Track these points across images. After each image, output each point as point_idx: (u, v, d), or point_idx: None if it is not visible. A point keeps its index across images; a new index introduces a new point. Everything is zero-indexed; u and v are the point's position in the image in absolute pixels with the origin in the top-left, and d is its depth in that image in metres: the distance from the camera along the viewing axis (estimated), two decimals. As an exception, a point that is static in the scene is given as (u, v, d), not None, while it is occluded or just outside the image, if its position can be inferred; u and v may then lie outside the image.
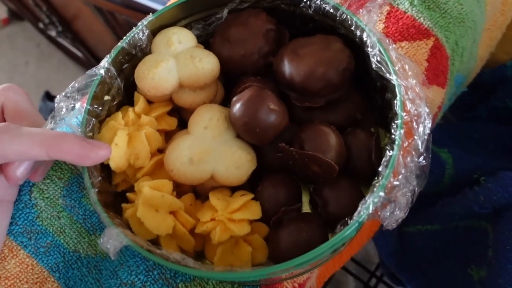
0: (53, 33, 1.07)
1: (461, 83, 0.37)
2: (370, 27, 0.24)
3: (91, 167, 0.23)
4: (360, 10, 0.25)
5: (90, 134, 0.24)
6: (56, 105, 0.23)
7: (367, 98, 0.28)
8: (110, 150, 0.23)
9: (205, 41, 0.29)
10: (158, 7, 0.62)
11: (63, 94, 0.23)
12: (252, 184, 0.26)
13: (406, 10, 0.31)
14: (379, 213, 0.20)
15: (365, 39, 0.23)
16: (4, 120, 0.26)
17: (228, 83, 0.29)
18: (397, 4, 0.32)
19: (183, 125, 0.28)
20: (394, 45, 0.23)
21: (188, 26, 0.29)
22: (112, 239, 0.21)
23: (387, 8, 0.32)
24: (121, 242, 0.20)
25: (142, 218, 0.22)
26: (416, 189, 0.23)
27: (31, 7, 1.03)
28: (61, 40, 1.14)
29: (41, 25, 1.09)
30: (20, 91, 0.27)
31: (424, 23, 0.31)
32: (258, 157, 0.26)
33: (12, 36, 1.41)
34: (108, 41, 0.87)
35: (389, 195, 0.21)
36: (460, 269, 0.34)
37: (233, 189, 0.26)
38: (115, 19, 0.78)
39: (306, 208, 0.27)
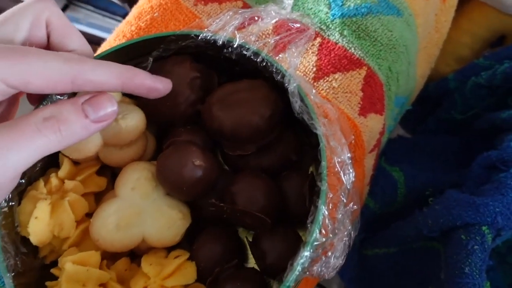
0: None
1: (404, 103, 0.38)
2: (291, 72, 0.23)
3: (6, 245, 0.21)
4: (281, 54, 0.24)
5: (6, 209, 0.22)
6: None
7: (303, 136, 0.27)
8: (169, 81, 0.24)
9: (134, 91, 0.28)
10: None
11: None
12: (190, 240, 0.25)
13: (337, 41, 0.31)
14: (307, 273, 0.19)
15: (286, 85, 0.23)
16: (48, 39, 0.23)
17: (161, 133, 0.28)
18: (328, 36, 0.31)
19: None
20: (314, 91, 0.22)
21: (113, 78, 0.28)
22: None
23: (319, 40, 0.32)
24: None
25: (67, 298, 0.21)
26: (352, 232, 0.23)
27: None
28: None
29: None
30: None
31: (355, 53, 0.31)
32: (193, 212, 0.25)
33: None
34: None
35: (318, 251, 0.20)
36: (418, 290, 0.34)
37: (170, 248, 0.25)
38: (69, 51, 0.77)
39: (251, 258, 0.26)
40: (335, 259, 0.22)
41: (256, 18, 0.27)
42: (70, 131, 0.20)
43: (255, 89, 0.24)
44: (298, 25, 0.26)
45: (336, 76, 0.30)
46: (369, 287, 0.36)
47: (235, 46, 0.25)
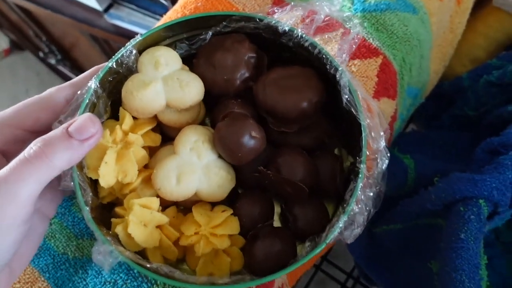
0: (52, 61, 1.11)
1: (417, 95, 0.42)
2: (343, 67, 0.27)
3: (82, 184, 0.24)
4: (334, 45, 0.28)
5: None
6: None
7: (333, 122, 0.31)
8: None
9: (187, 58, 0.31)
10: (147, 33, 0.66)
11: (57, 121, 0.24)
12: (229, 199, 0.29)
13: (358, 32, 0.35)
14: (341, 233, 0.24)
15: (337, 78, 0.27)
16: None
17: (208, 101, 0.31)
18: (350, 27, 0.35)
19: (164, 138, 0.30)
20: (361, 87, 0.26)
21: (172, 45, 0.30)
22: (107, 256, 0.23)
23: (342, 30, 0.35)
24: (116, 258, 0.23)
25: (133, 234, 0.24)
26: (372, 210, 0.27)
27: (32, 37, 1.08)
28: (60, 68, 1.18)
29: (41, 54, 1.13)
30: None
31: (373, 43, 0.35)
32: (236, 176, 0.28)
33: (12, 65, 1.44)
34: (104, 67, 0.91)
35: (351, 219, 0.24)
36: (422, 264, 0.37)
37: (213, 204, 0.28)
38: (109, 46, 0.83)
39: (276, 219, 0.30)
40: (357, 228, 0.26)
41: (312, 12, 0.30)
42: (56, 154, 0.22)
43: (307, 77, 0.28)
44: (349, 25, 0.29)
45: (355, 62, 0.34)
46: (375, 262, 0.41)
47: (295, 35, 0.28)
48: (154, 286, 0.29)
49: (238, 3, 0.37)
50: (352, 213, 0.24)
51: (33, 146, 0.22)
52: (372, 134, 0.25)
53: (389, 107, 0.36)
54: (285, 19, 0.28)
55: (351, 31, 0.30)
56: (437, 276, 0.33)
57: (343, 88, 0.26)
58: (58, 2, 0.75)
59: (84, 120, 0.23)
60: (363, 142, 0.25)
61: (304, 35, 0.27)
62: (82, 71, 0.28)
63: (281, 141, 0.30)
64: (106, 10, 0.70)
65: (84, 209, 0.24)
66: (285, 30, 0.28)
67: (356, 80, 0.26)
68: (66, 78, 1.26)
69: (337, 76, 0.26)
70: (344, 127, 0.31)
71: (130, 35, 0.69)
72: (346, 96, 0.26)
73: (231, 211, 0.27)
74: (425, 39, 0.38)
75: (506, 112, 0.38)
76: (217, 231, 0.26)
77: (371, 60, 0.35)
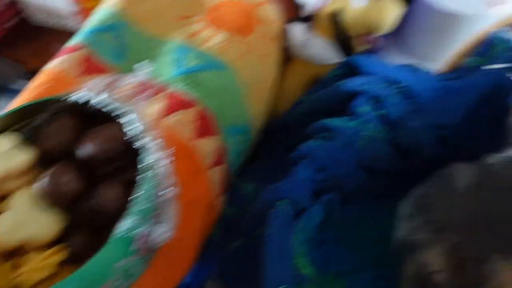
0: None
1: (245, 132, 0.50)
2: (133, 108, 0.35)
3: None
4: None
5: None
6: None
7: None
8: None
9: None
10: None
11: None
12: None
13: (176, 91, 0.46)
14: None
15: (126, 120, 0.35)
16: None
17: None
18: (171, 88, 0.45)
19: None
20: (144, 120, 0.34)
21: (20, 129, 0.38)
22: None
23: (164, 92, 0.46)
24: None
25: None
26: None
27: None
28: None
29: None
30: None
31: (190, 96, 0.46)
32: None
33: None
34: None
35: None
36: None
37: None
38: None
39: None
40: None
41: (116, 81, 0.39)
42: None
43: (107, 129, 0.36)
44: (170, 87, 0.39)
45: (178, 113, 0.44)
46: (232, 279, 0.44)
47: (95, 102, 0.36)
48: None
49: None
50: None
51: None
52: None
53: (211, 143, 0.46)
54: (93, 90, 0.37)
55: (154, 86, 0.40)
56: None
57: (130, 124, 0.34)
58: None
59: None
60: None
61: (102, 100, 0.36)
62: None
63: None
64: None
65: None
66: (89, 101, 0.37)
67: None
68: None
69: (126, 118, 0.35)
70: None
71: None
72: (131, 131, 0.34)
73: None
74: (235, 89, 0.49)
75: (306, 131, 0.47)
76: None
77: (190, 110, 0.45)
